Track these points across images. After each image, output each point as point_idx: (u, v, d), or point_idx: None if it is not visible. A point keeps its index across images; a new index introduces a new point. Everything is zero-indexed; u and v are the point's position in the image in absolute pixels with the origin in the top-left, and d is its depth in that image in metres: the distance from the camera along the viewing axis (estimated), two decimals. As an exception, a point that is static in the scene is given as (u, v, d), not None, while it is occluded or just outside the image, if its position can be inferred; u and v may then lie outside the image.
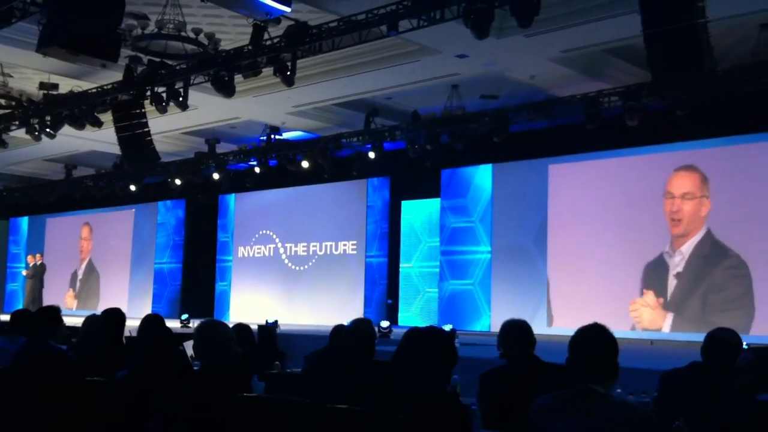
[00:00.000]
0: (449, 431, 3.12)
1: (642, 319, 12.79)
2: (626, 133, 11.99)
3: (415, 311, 16.48)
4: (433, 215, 16.28)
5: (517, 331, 4.50)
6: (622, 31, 9.87)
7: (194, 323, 13.50)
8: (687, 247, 12.59)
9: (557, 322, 13.51)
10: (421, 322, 15.21)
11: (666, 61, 7.83)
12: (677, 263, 12.64)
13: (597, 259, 13.45)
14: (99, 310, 6.15)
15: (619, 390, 4.14)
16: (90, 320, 6.22)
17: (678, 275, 12.61)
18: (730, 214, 12.20)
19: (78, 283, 22.26)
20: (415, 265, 16.63)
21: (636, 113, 11.37)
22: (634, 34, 8.53)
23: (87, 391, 4.60)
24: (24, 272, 19.20)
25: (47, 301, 18.79)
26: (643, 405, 4.08)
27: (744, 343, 7.69)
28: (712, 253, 12.33)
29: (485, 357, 8.86)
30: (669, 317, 12.52)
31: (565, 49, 11.11)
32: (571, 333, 3.20)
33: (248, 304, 18.58)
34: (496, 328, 13.18)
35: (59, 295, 21.44)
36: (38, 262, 18.79)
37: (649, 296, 12.76)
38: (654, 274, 12.87)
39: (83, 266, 22.34)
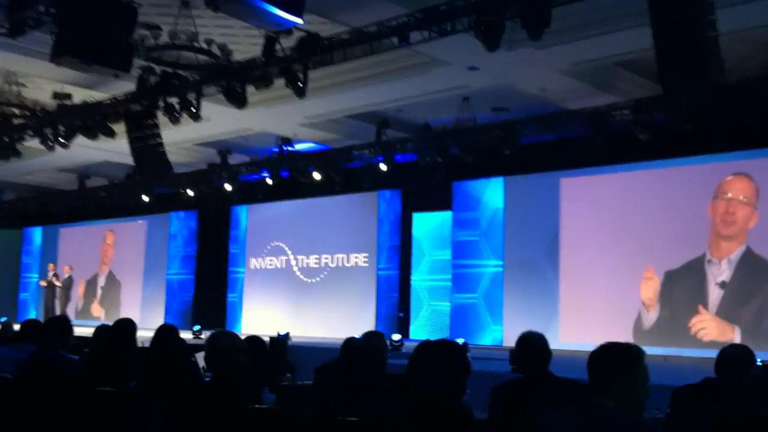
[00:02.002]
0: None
1: (710, 333, 12.11)
2: (637, 147, 11.96)
3: (419, 325, 16.43)
4: (441, 228, 16.29)
5: (532, 345, 4.43)
6: (633, 43, 9.86)
7: (206, 334, 13.53)
8: (735, 255, 12.23)
9: (569, 336, 13.43)
10: (429, 336, 15.16)
11: (676, 74, 7.82)
12: (722, 271, 12.28)
13: (610, 273, 13.40)
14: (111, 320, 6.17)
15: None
16: (101, 330, 6.25)
17: (723, 284, 12.23)
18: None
19: (99, 291, 22.27)
20: (420, 278, 16.61)
21: (646, 127, 11.34)
22: (645, 47, 8.52)
23: (99, 400, 4.61)
24: (41, 282, 19.25)
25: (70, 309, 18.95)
26: (656, 421, 4.07)
27: (758, 359, 7.64)
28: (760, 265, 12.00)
29: (496, 371, 8.83)
30: (737, 331, 11.87)
31: (576, 62, 11.11)
32: (583, 347, 3.20)
33: (260, 315, 18.59)
34: (508, 342, 13.27)
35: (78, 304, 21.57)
36: (67, 275, 18.86)
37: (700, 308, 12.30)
38: (686, 283, 12.59)
39: (105, 275, 22.37)
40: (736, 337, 11.86)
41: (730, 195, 12.45)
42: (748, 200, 12.27)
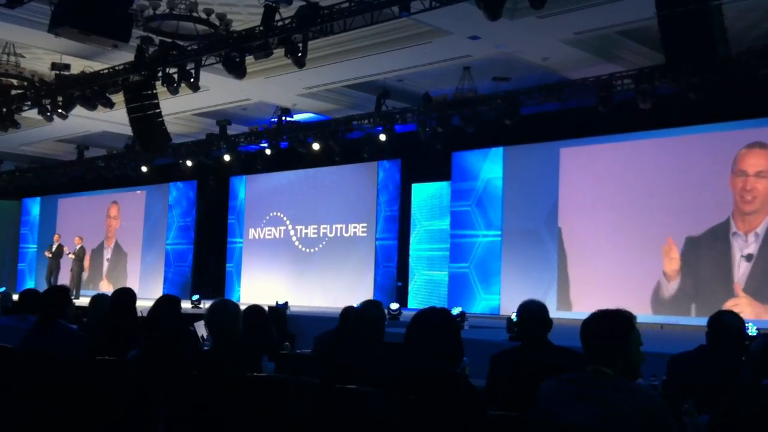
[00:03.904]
0: (459, 412, 3.13)
1: (745, 316, 11.92)
2: (639, 116, 11.92)
3: (417, 294, 16.52)
4: (436, 198, 16.37)
5: (533, 313, 4.41)
6: (636, 12, 9.79)
7: (205, 304, 13.61)
8: (762, 229, 11.99)
9: (567, 305, 13.51)
10: (427, 306, 15.23)
11: (679, 43, 7.77)
12: (749, 244, 12.09)
13: (608, 243, 13.43)
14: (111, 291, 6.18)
15: (640, 380, 4.13)
16: (99, 300, 6.25)
17: (750, 257, 12.04)
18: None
19: (106, 263, 22.29)
20: (418, 248, 16.66)
21: (649, 96, 11.29)
22: (648, 16, 8.46)
23: (99, 369, 4.64)
24: (45, 253, 19.19)
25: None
26: (652, 388, 4.09)
27: (754, 327, 7.66)
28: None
29: (494, 339, 8.89)
30: None
31: (579, 31, 11.03)
32: (581, 316, 3.20)
33: (259, 285, 18.65)
34: (505, 311, 13.35)
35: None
36: (79, 246, 18.76)
37: (735, 288, 12.14)
38: (708, 254, 12.45)
39: (111, 247, 22.39)
40: None
41: (746, 170, 12.24)
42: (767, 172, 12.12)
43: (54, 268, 18.67)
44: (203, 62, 11.60)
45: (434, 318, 3.36)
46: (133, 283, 20.00)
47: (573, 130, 13.62)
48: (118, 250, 22.09)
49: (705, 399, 3.43)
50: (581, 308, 12.83)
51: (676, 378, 4.26)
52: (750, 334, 6.94)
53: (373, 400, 3.33)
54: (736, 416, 2.99)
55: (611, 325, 3.08)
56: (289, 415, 3.84)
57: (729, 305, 11.98)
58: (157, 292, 18.62)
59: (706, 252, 12.56)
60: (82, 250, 18.66)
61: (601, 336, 3.05)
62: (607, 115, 11.90)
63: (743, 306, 11.90)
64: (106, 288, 21.24)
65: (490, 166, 15.15)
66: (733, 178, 12.36)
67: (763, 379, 3.21)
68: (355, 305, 5.33)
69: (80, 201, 23.02)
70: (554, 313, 5.36)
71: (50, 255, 18.78)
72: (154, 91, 12.47)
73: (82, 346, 5.27)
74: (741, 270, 12.14)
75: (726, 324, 4.29)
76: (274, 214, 18.85)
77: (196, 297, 15.18)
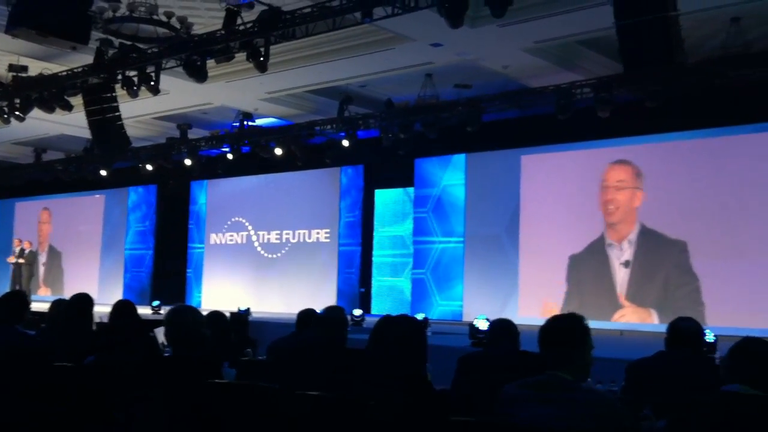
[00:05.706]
0: (422, 417, 3.14)
1: (634, 323, 12.68)
2: (598, 124, 12.07)
3: (380, 300, 16.53)
4: (399, 205, 16.43)
5: (504, 324, 4.85)
6: (595, 22, 9.92)
7: (165, 310, 13.46)
8: (633, 236, 12.87)
9: (528, 311, 13.57)
10: (390, 312, 15.26)
11: (637, 53, 7.89)
12: (624, 251, 12.93)
13: (568, 250, 13.57)
14: (66, 296, 6.09)
15: (588, 379, 4.19)
16: (57, 305, 6.16)
17: (627, 264, 12.86)
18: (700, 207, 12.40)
19: (42, 268, 21.97)
20: (380, 254, 16.70)
21: (607, 104, 11.45)
22: (607, 26, 8.57)
23: (55, 375, 4.57)
24: (8, 259, 18.78)
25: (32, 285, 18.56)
26: (611, 394, 4.13)
27: (712, 334, 7.77)
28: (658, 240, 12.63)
29: (456, 345, 8.91)
30: (653, 313, 12.46)
31: (539, 40, 11.14)
32: (541, 323, 3.23)
33: (220, 291, 18.51)
34: (468, 317, 13.38)
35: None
36: (28, 250, 18.35)
37: (623, 298, 12.86)
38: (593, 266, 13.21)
39: (45, 252, 22.13)
40: (654, 319, 12.46)
41: (607, 184, 13.28)
42: (626, 183, 13.04)
43: (18, 274, 18.27)
44: (163, 65, 11.48)
45: (401, 323, 3.37)
46: (91, 288, 19.65)
47: (533, 137, 13.74)
48: (53, 253, 21.92)
49: (663, 404, 3.47)
50: (541, 314, 12.90)
51: (634, 384, 4.31)
52: (708, 340, 7.05)
53: (337, 405, 3.32)
54: (693, 421, 3.04)
55: (571, 329, 3.12)
56: (251, 421, 3.81)
57: (617, 317, 12.84)
58: (116, 297, 18.30)
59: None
60: (32, 254, 18.35)
61: (563, 341, 3.09)
62: (567, 123, 12.03)
63: (629, 315, 12.74)
64: (44, 293, 20.98)
65: (452, 173, 15.23)
66: (600, 194, 13.35)
67: (725, 385, 3.26)
68: (316, 309, 5.32)
69: (38, 204, 22.65)
70: (515, 319, 5.44)
71: (14, 261, 18.32)
72: (114, 94, 12.32)
73: (38, 352, 5.18)
74: (620, 276, 12.93)
75: (684, 329, 4.35)
76: (236, 219, 18.73)
77: (156, 303, 15.02)
